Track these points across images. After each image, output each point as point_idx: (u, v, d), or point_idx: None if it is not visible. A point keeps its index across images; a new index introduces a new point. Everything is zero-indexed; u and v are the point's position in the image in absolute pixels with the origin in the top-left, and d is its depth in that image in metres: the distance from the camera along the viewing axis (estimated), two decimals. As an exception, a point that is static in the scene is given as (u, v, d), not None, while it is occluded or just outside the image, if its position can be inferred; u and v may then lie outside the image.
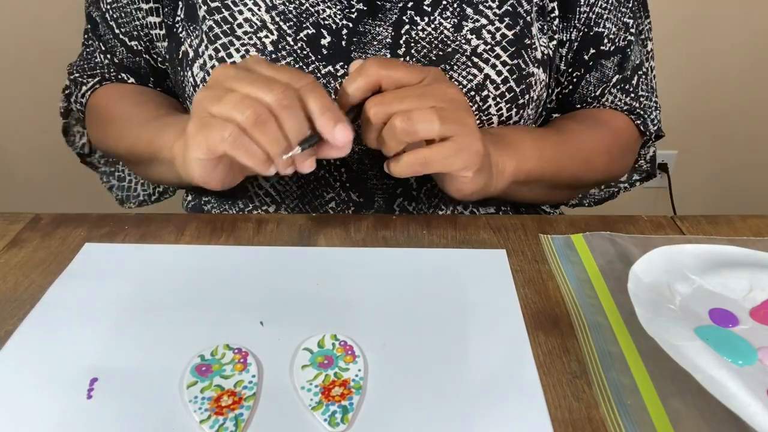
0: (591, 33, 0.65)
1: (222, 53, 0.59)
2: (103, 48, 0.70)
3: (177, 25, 0.63)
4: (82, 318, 0.42)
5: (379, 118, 0.49)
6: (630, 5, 0.66)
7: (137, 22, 0.66)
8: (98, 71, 0.71)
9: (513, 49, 0.59)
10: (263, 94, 0.45)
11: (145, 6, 0.65)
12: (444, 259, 0.49)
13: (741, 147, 1.72)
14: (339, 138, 0.46)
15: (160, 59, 0.68)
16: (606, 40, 0.65)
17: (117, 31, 0.67)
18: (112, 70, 0.70)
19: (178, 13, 0.63)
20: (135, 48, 0.68)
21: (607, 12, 0.64)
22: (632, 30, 0.67)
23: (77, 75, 0.73)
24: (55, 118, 0.73)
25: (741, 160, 1.74)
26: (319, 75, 0.58)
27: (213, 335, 0.41)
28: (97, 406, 0.36)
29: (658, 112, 0.72)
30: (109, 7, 0.66)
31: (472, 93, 0.58)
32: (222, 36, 0.59)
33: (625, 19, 0.66)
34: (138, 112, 0.65)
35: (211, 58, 0.59)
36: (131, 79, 0.70)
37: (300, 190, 0.63)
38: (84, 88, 0.72)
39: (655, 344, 0.37)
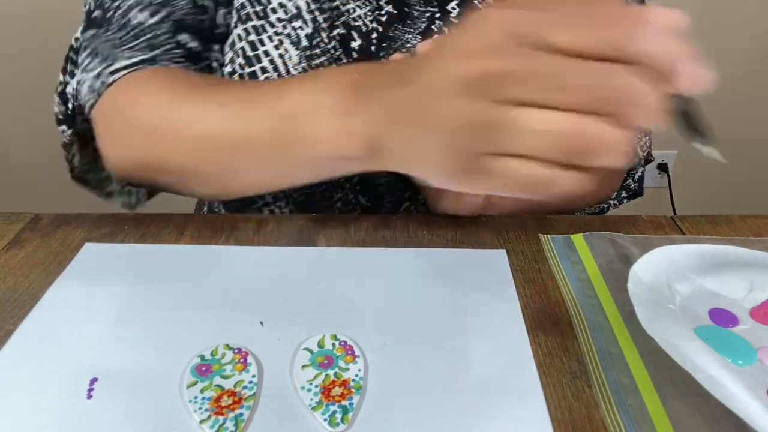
0: None
1: (253, 36, 0.54)
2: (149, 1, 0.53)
3: None
4: (82, 318, 0.42)
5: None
6: None
7: None
8: (144, 41, 0.52)
9: None
10: (570, 103, 0.29)
11: None
12: (444, 259, 0.49)
13: (741, 147, 1.72)
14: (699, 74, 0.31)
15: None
16: None
17: None
18: (165, 31, 0.53)
19: None
20: (202, 3, 0.55)
21: None
22: None
23: (107, 52, 0.53)
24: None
25: (741, 160, 1.74)
26: None
27: (213, 335, 0.41)
28: (97, 406, 0.36)
29: (647, 138, 0.71)
30: None
31: None
32: (254, 17, 0.54)
33: None
34: (234, 88, 0.50)
35: (240, 38, 0.54)
36: (194, 43, 0.55)
37: (309, 189, 0.61)
38: (119, 64, 0.52)
39: (655, 344, 0.37)
